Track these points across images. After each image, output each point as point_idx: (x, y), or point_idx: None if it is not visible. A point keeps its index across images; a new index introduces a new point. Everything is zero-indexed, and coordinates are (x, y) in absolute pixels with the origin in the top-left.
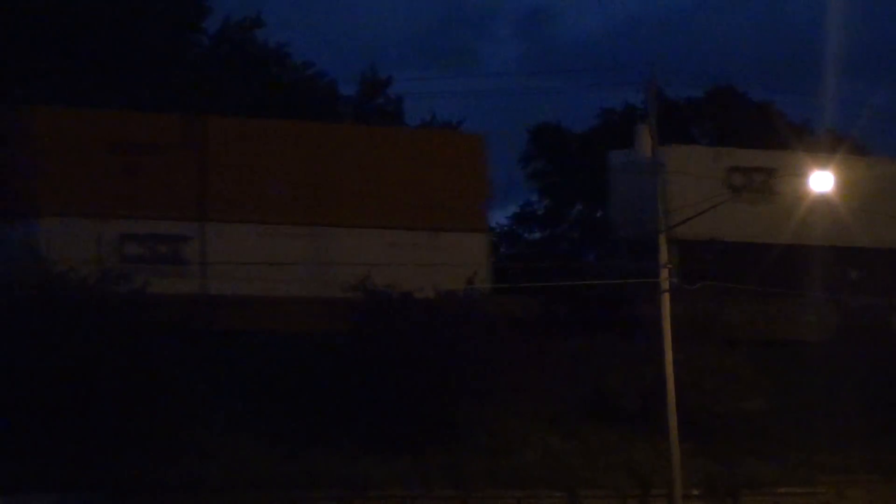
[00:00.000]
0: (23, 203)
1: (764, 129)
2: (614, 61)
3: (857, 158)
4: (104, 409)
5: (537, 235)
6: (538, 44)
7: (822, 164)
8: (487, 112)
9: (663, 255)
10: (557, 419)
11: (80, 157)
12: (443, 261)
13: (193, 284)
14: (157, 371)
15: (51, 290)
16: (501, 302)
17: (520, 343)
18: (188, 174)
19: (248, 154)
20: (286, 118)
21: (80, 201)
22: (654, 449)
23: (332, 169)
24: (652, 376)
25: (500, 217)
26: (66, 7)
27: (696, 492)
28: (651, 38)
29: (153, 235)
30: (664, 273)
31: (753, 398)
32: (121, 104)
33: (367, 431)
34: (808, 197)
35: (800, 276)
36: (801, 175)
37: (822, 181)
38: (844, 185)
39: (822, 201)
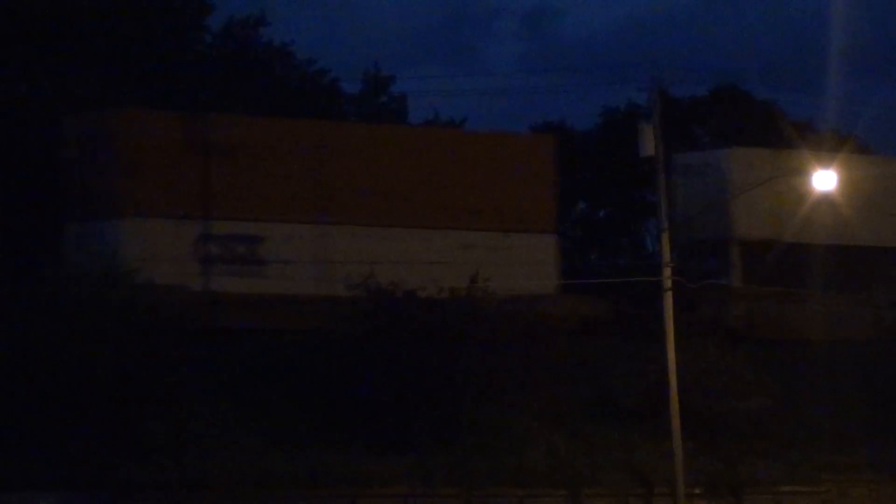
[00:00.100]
0: (105, 203)
1: (767, 127)
2: (617, 60)
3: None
4: (105, 408)
5: None
6: (541, 42)
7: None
8: (490, 110)
9: (665, 254)
10: (560, 418)
11: (163, 159)
12: (514, 262)
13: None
14: (159, 370)
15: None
16: (568, 302)
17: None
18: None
19: (325, 158)
20: (286, 118)
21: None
22: (657, 448)
23: (404, 172)
24: (655, 375)
25: None
26: (66, 7)
27: (698, 491)
28: (655, 37)
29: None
30: (666, 272)
31: (756, 397)
32: (122, 103)
33: (370, 430)
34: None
35: (850, 277)
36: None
37: (824, 179)
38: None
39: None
